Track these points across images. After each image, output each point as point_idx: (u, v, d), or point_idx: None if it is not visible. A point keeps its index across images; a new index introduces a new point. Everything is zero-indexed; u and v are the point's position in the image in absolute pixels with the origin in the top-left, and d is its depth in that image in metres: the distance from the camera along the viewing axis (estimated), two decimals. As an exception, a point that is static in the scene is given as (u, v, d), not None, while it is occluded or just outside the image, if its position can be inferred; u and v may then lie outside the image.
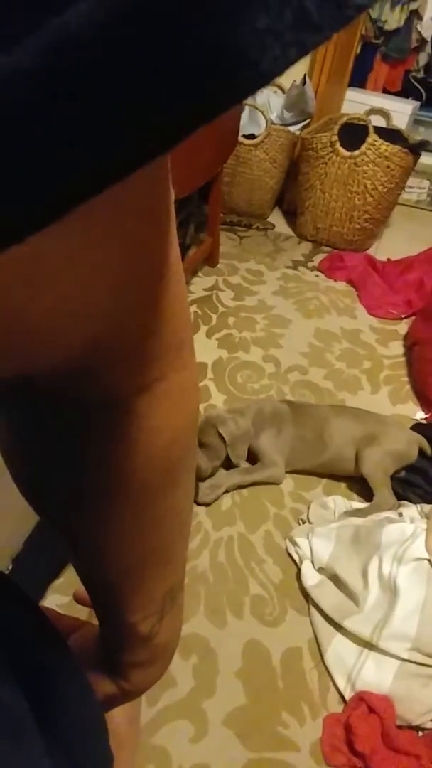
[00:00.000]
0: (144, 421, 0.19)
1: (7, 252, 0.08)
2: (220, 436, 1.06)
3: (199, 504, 1.05)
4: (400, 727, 0.77)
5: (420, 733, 0.77)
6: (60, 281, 0.12)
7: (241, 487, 1.09)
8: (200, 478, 1.05)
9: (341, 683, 0.82)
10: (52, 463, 0.21)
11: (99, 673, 0.28)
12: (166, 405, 0.19)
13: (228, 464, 1.11)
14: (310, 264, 1.90)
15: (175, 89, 0.08)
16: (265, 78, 0.08)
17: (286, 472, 1.13)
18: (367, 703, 0.78)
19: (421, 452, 1.13)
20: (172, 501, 0.23)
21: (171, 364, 0.18)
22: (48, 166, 0.08)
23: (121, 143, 0.08)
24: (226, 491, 1.07)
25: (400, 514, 1.00)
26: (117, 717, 0.51)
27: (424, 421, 1.27)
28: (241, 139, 1.84)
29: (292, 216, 2.14)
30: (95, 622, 0.30)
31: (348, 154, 1.76)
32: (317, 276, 1.85)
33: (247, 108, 1.97)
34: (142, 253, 0.14)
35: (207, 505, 1.05)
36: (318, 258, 1.93)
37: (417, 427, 1.21)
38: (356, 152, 1.75)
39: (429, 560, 0.86)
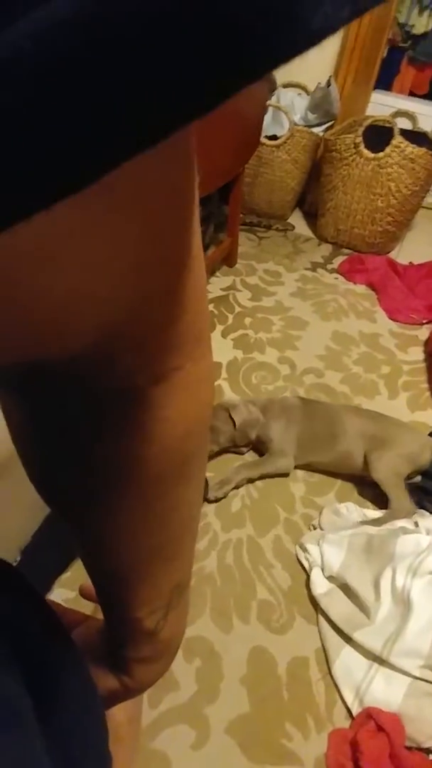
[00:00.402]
0: (159, 411, 0.18)
1: (32, 224, 0.08)
2: (231, 420, 1.05)
3: (209, 501, 1.03)
4: (409, 748, 0.73)
5: (430, 756, 0.74)
6: (83, 258, 0.11)
7: (250, 480, 1.07)
8: None
9: (349, 698, 0.79)
10: (64, 452, 0.20)
11: (102, 667, 0.28)
12: (183, 396, 0.19)
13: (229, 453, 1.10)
14: (329, 266, 1.87)
15: (216, 45, 0.07)
16: (315, 36, 0.08)
17: (298, 470, 1.11)
18: (375, 721, 0.74)
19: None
20: (183, 494, 0.22)
21: (189, 354, 0.18)
22: (74, 131, 0.07)
23: (153, 104, 0.08)
24: (236, 487, 1.05)
25: (416, 524, 0.96)
26: (117, 715, 0.49)
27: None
28: (263, 139, 1.82)
29: (312, 218, 2.12)
30: (100, 617, 0.30)
31: (372, 155, 1.73)
32: (336, 278, 1.82)
33: (270, 109, 1.96)
34: (165, 234, 0.14)
35: (217, 500, 1.03)
36: (338, 260, 1.90)
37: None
38: (380, 154, 1.71)
39: (446, 574, 0.82)
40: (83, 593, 0.34)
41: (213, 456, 1.09)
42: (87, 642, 0.29)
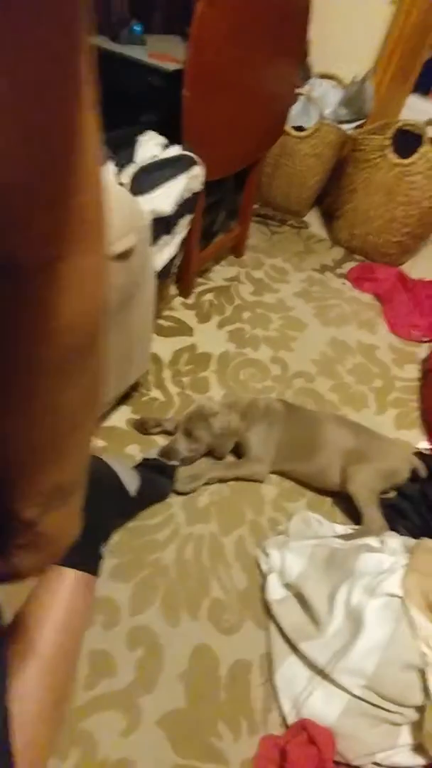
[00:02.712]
0: (41, 296, 0.18)
1: None
2: (210, 429, 1.02)
3: (177, 493, 1.01)
4: (337, 764, 0.73)
5: (357, 775, 0.73)
6: None
7: (222, 480, 1.05)
8: (174, 459, 1.02)
9: (286, 707, 0.78)
10: None
11: None
12: (66, 288, 0.19)
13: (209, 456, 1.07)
14: (338, 271, 1.83)
15: None
16: None
17: (273, 474, 1.09)
18: (308, 733, 0.74)
19: (415, 476, 1.08)
20: (63, 396, 0.23)
21: (74, 245, 0.18)
22: None
23: None
24: (207, 483, 1.04)
25: (382, 542, 0.95)
26: (44, 697, 0.48)
27: (428, 452, 1.21)
28: (288, 129, 1.77)
29: (328, 219, 2.07)
30: None
31: (398, 160, 1.67)
32: (344, 284, 1.78)
33: (301, 98, 1.90)
34: (44, 103, 0.14)
35: (184, 494, 1.02)
36: (348, 266, 1.86)
37: (419, 456, 1.15)
38: (407, 160, 1.66)
39: (402, 599, 0.81)
40: None
41: (192, 460, 1.06)
42: None
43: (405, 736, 0.76)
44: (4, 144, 0.14)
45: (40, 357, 0.20)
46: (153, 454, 1.02)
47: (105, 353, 0.25)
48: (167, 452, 1.02)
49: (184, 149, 1.09)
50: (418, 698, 0.75)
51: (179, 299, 1.51)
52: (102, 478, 0.82)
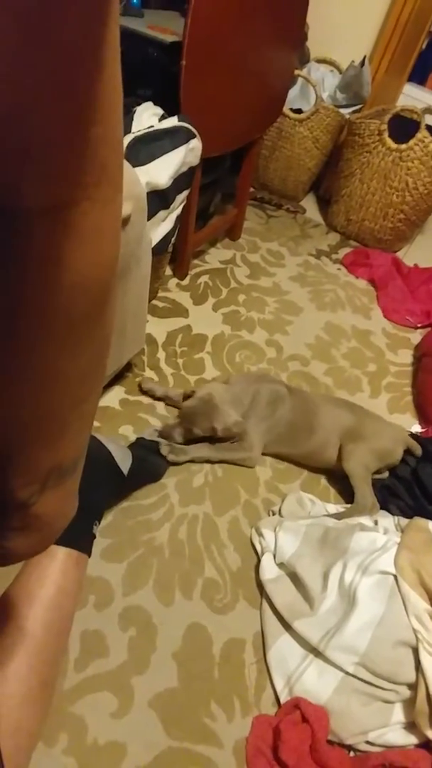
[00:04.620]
0: (46, 249, 0.16)
1: None
2: (210, 429, 1.00)
3: (166, 461, 0.99)
4: (331, 743, 0.73)
5: (351, 753, 0.73)
6: None
7: (209, 461, 1.03)
8: (171, 441, 1.01)
9: (279, 685, 0.78)
10: None
11: None
12: (76, 240, 0.17)
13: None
14: (333, 256, 1.82)
15: None
16: None
17: (267, 456, 1.08)
18: (301, 711, 0.73)
19: (409, 456, 1.08)
20: (64, 366, 0.21)
21: (86, 190, 0.16)
22: None
23: None
24: (192, 461, 1.02)
25: (376, 522, 0.95)
26: (30, 678, 0.46)
27: (420, 435, 1.21)
28: (286, 111, 1.74)
29: (325, 204, 2.05)
30: None
31: (394, 146, 1.66)
32: (339, 269, 1.76)
33: (299, 81, 1.87)
34: (57, 10, 0.12)
35: (170, 464, 0.99)
36: (343, 251, 1.85)
37: (412, 438, 1.14)
38: (403, 146, 1.65)
39: (395, 576, 0.80)
40: None
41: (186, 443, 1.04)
42: None
43: (398, 714, 0.75)
44: (18, 50, 0.12)
45: (46, 317, 0.18)
46: (153, 435, 1.01)
47: (113, 323, 0.23)
48: (167, 434, 1.00)
49: (180, 121, 1.06)
50: (410, 675, 0.75)
51: (174, 280, 1.49)
52: (95, 456, 0.80)
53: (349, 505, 1.01)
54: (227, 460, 1.04)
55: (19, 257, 0.16)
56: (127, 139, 0.96)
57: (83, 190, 0.16)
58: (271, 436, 1.06)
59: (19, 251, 0.16)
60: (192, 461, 1.02)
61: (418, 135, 1.63)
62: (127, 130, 1.03)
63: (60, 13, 0.12)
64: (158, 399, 1.12)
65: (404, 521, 0.95)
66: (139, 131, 0.99)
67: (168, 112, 1.09)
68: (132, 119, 1.05)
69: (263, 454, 1.08)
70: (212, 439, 1.03)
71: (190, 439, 1.02)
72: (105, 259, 0.19)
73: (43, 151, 0.14)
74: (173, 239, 1.18)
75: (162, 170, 0.97)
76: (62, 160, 0.15)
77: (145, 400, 1.13)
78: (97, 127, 0.15)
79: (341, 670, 0.76)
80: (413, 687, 0.75)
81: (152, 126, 1.03)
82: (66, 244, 0.17)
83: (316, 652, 0.78)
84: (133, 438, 1.01)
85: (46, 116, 0.14)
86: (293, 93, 1.86)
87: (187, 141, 1.03)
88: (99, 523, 0.70)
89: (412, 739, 0.74)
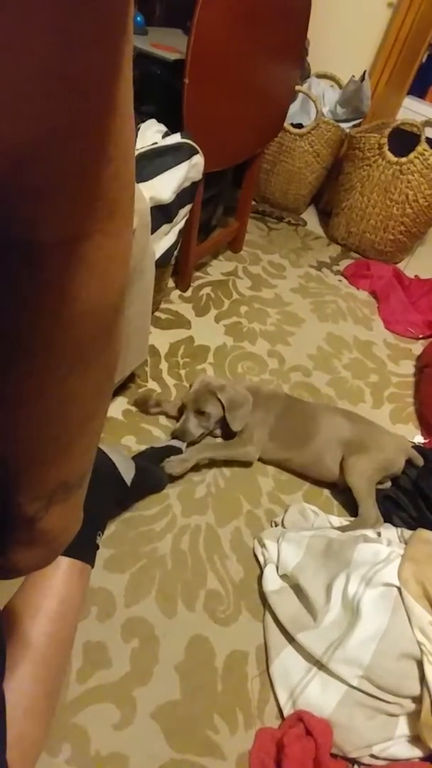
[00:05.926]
0: (59, 279, 0.17)
1: None
2: (219, 401, 1.01)
3: (169, 476, 1.00)
4: (334, 756, 0.72)
5: (355, 767, 0.72)
6: None
7: (212, 460, 1.04)
8: (186, 440, 1.02)
9: (282, 698, 0.77)
10: None
11: None
12: (88, 271, 0.17)
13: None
14: (335, 267, 1.84)
15: None
16: None
17: (269, 466, 1.09)
18: (305, 724, 0.73)
19: (410, 468, 1.08)
20: (75, 387, 0.22)
21: (99, 224, 0.17)
22: None
23: None
24: (197, 466, 1.02)
25: (379, 534, 0.95)
26: (35, 689, 0.47)
27: (423, 446, 1.21)
28: (287, 126, 1.77)
29: (326, 217, 2.08)
30: None
31: (395, 159, 1.68)
32: (340, 281, 1.78)
33: (300, 96, 1.91)
34: (77, 54, 0.13)
35: (173, 477, 1.00)
36: (344, 263, 1.87)
37: (414, 449, 1.15)
38: (403, 159, 1.67)
39: (399, 588, 0.80)
40: None
41: (202, 437, 1.06)
42: None
43: (402, 727, 0.75)
44: (39, 93, 0.12)
45: (58, 343, 0.19)
46: (163, 441, 1.02)
47: (121, 342, 0.24)
48: (181, 433, 1.01)
49: (183, 138, 1.08)
50: (414, 688, 0.74)
51: (177, 292, 1.50)
52: (99, 466, 0.81)
53: (352, 519, 1.01)
54: (229, 456, 1.04)
55: (33, 287, 0.17)
56: (132, 156, 0.98)
57: (97, 224, 0.16)
58: (270, 436, 1.06)
59: (33, 282, 0.17)
60: (195, 467, 1.03)
61: (418, 148, 1.66)
62: (132, 146, 1.05)
63: (81, 55, 0.13)
64: (154, 413, 1.13)
65: (408, 533, 0.95)
66: (143, 148, 1.01)
67: (171, 129, 1.12)
68: (136, 136, 1.08)
69: (263, 461, 1.09)
70: (213, 436, 1.04)
71: (204, 433, 1.04)
72: (116, 286, 0.19)
73: (59, 187, 0.15)
74: (176, 252, 1.20)
75: (165, 185, 0.99)
76: (78, 196, 0.15)
77: (149, 410, 1.14)
78: (112, 164, 0.16)
79: (345, 683, 0.75)
80: (418, 700, 0.74)
81: (156, 142, 1.06)
82: (78, 276, 0.17)
83: (319, 665, 0.78)
84: (135, 448, 1.02)
85: (64, 154, 0.14)
86: (294, 108, 1.90)
87: (189, 157, 1.06)
88: (102, 534, 0.71)
89: (416, 752, 0.74)
